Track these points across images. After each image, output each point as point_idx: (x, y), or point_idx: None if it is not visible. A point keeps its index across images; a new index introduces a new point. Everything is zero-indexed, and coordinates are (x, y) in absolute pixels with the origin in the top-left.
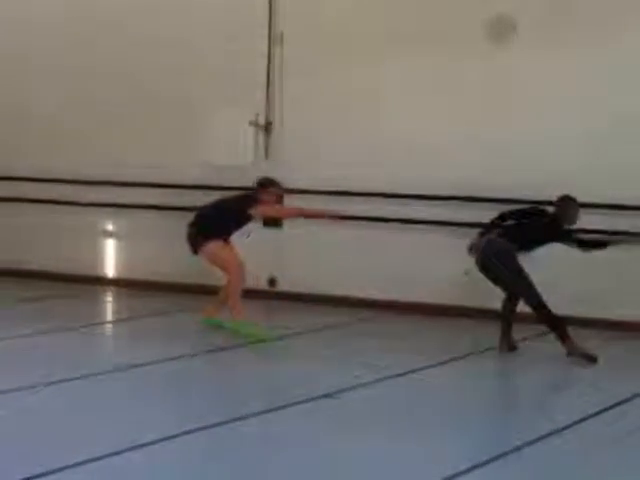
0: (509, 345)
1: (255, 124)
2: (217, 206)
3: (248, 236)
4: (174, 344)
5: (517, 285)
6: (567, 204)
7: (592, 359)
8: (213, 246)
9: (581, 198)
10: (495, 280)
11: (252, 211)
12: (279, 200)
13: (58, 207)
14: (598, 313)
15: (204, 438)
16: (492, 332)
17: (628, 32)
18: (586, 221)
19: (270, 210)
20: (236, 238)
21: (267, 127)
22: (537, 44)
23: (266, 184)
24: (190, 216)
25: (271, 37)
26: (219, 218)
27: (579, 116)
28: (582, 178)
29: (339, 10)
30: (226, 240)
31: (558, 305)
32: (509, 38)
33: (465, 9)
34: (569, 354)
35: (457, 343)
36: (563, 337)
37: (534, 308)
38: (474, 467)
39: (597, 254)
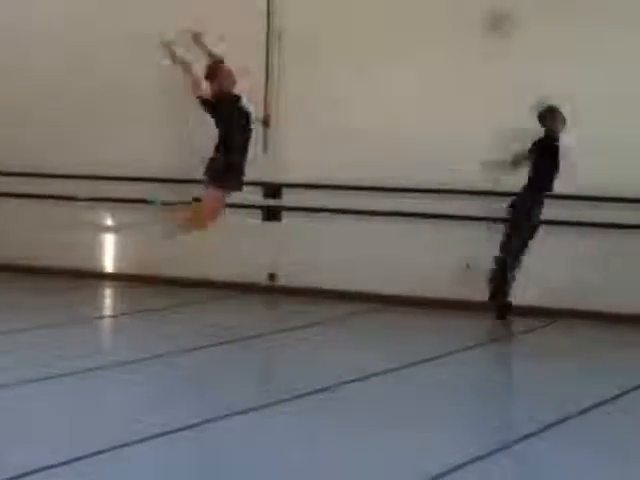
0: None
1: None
2: None
3: None
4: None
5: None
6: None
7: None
8: None
9: None
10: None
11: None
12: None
13: (54, 202)
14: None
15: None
16: (493, 325)
17: None
18: None
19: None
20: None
21: (265, 121)
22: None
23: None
24: None
25: (269, 31)
26: None
27: None
28: None
29: (339, 4)
30: None
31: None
32: (507, 31)
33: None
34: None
35: (458, 336)
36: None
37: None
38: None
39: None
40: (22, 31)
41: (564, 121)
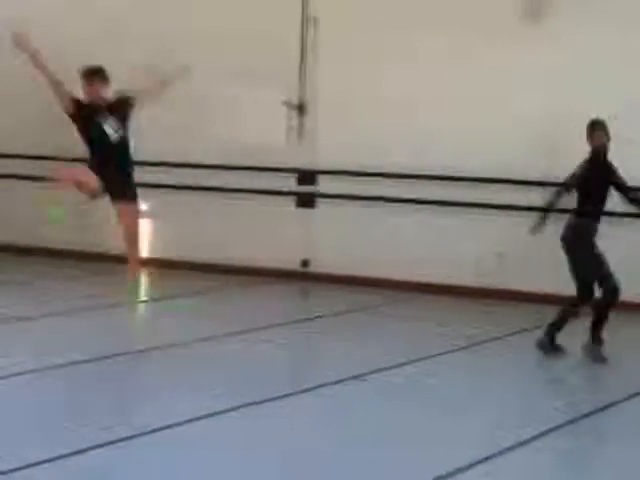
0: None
1: (288, 104)
2: None
3: None
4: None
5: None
6: (590, 129)
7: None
8: None
9: None
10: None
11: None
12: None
13: None
14: None
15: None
16: (522, 314)
17: None
18: None
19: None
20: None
21: (300, 108)
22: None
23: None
24: (223, 196)
25: (304, 18)
26: None
27: None
28: None
29: None
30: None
31: None
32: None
33: None
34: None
35: (489, 325)
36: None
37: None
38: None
39: None
40: None
41: (608, 136)
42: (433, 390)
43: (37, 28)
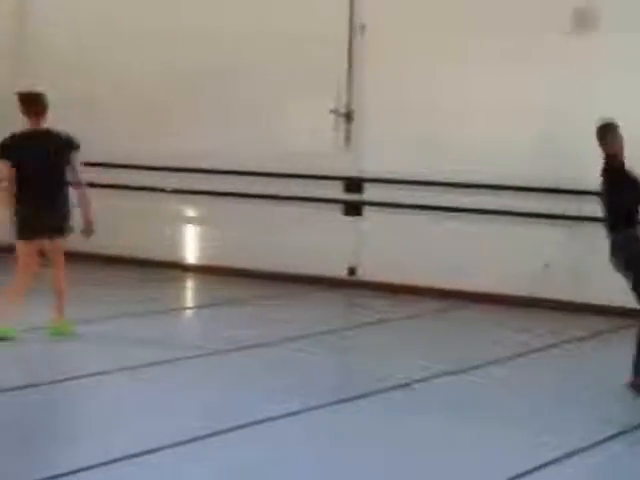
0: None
1: (336, 112)
2: None
3: None
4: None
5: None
6: (599, 132)
7: None
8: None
9: None
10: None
11: None
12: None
13: (141, 193)
14: None
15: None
16: (573, 324)
17: None
18: None
19: None
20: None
21: (348, 115)
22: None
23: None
24: (270, 203)
25: (352, 25)
26: None
27: None
28: None
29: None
30: None
31: None
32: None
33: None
34: None
35: (537, 335)
36: None
37: None
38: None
39: None
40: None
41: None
42: (498, 395)
43: None
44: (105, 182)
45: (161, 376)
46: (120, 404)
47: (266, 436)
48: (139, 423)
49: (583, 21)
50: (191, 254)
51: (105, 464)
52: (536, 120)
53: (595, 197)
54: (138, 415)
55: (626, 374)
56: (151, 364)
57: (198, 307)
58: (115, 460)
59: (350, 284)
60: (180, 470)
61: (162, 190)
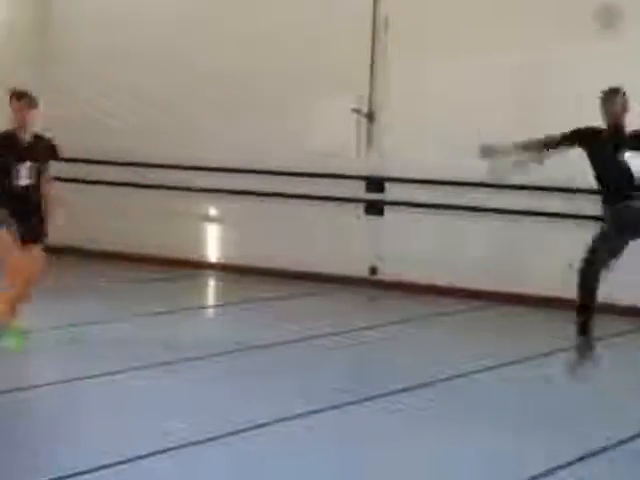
0: None
1: (358, 112)
2: None
3: None
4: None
5: None
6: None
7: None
8: None
9: None
10: None
11: None
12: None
13: (167, 192)
14: None
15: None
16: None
17: None
18: None
19: None
20: None
21: (370, 115)
22: None
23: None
24: (292, 203)
25: (375, 23)
26: None
27: None
28: None
29: None
30: None
31: None
32: (616, 26)
33: None
34: None
35: (562, 335)
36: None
37: None
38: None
39: None
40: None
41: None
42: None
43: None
44: (128, 181)
45: (191, 372)
46: (134, 402)
47: (289, 435)
48: (168, 420)
49: (607, 16)
50: (214, 253)
51: (119, 464)
52: (563, 118)
53: None
54: (164, 412)
55: None
56: (186, 360)
57: (221, 305)
58: (125, 461)
59: (371, 283)
60: (196, 469)
61: (188, 189)
